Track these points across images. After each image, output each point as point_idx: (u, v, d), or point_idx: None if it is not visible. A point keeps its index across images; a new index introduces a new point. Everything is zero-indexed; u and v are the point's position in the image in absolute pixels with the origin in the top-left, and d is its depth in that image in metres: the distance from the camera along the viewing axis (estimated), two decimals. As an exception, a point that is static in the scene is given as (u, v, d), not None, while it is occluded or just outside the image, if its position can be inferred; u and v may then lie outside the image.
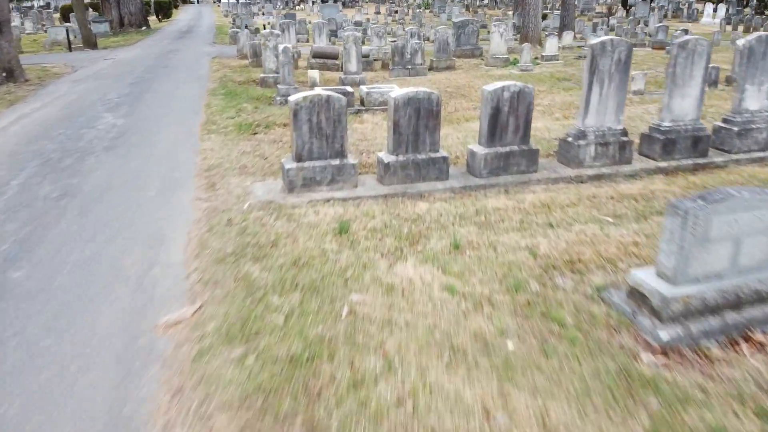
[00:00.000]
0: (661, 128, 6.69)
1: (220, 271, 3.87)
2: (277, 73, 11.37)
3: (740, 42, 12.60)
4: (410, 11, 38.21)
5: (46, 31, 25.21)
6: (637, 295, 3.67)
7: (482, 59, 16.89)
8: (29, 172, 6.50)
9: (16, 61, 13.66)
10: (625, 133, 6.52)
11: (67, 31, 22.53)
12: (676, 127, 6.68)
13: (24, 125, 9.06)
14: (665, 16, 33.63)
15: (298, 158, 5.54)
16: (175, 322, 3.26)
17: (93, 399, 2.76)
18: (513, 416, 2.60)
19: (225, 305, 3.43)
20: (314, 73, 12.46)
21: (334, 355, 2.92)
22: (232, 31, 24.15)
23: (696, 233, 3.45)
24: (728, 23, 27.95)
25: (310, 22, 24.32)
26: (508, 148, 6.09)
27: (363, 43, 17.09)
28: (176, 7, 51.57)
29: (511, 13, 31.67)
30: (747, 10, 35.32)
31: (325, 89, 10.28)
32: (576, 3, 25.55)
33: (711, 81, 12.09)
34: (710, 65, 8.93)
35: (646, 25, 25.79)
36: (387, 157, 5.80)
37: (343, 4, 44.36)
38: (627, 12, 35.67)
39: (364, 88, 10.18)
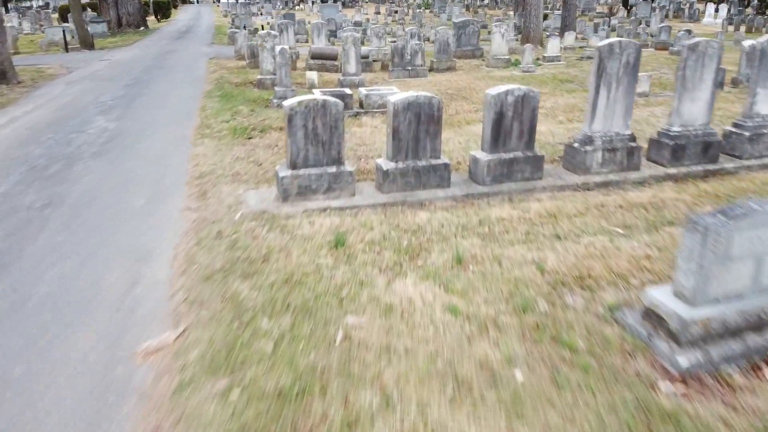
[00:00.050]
0: (671, 133, 6.45)
1: (207, 290, 3.62)
2: (275, 74, 11.12)
3: (746, 43, 12.41)
4: (410, 11, 37.97)
5: (44, 32, 24.95)
6: (652, 317, 3.43)
7: (483, 60, 16.64)
8: (14, 179, 6.25)
9: (9, 62, 13.42)
10: (633, 138, 6.27)
11: (63, 31, 22.29)
12: (685, 132, 6.44)
13: (14, 129, 8.82)
14: (666, 16, 33.39)
15: (293, 165, 5.30)
16: (155, 348, 3.01)
17: (63, 438, 2.52)
18: (523, 459, 2.36)
19: (210, 329, 3.18)
20: (312, 75, 12.23)
21: (327, 389, 2.67)
22: (231, 31, 23.91)
23: (717, 251, 3.22)
24: (730, 23, 27.70)
25: (309, 23, 24.07)
26: (512, 155, 5.85)
27: (362, 43, 16.85)
28: (175, 7, 51.34)
29: (511, 13, 31.43)
30: (748, 10, 35.09)
31: (323, 91, 10.06)
32: (577, 3, 25.30)
33: (717, 83, 11.82)
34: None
35: (648, 26, 25.55)
36: (386, 164, 5.56)
37: (343, 4, 44.12)
38: (628, 12, 35.43)
39: (363, 90, 9.94)
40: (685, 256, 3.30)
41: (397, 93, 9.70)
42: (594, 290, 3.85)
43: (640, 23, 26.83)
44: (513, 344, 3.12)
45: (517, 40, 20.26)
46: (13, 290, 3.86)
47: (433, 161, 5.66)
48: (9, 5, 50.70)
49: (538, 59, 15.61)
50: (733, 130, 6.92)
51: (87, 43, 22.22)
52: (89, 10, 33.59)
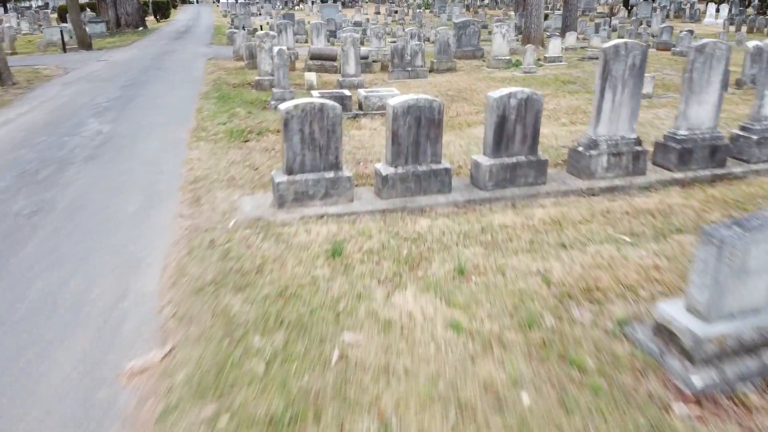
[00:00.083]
0: (677, 137, 6.28)
1: (198, 304, 3.46)
2: (273, 75, 10.96)
3: (750, 44, 12.25)
4: (410, 11, 37.80)
5: (42, 32, 24.79)
6: (664, 333, 3.27)
7: (484, 61, 16.48)
8: (3, 184, 6.08)
9: (4, 63, 13.25)
10: (639, 142, 6.11)
11: (61, 32, 22.14)
12: (692, 136, 6.28)
13: (7, 131, 8.65)
14: (667, 16, 33.22)
15: (290, 171, 5.14)
16: (141, 369, 2.85)
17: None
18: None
19: (199, 348, 3.01)
20: (311, 76, 12.06)
21: (321, 415, 2.51)
22: (230, 31, 23.74)
23: (732, 264, 3.06)
24: (731, 23, 27.53)
25: (309, 23, 23.90)
26: (514, 159, 5.69)
27: (362, 44, 16.69)
28: (175, 7, 51.20)
29: (512, 13, 31.26)
30: (749, 10, 34.93)
31: (322, 93, 9.90)
32: (577, 3, 25.12)
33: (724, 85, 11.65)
34: (724, 68, 8.48)
35: (649, 26, 25.38)
36: (385, 169, 5.40)
37: (343, 4, 43.95)
38: (629, 12, 35.26)
39: (362, 92, 9.77)
40: (699, 269, 3.14)
41: (396, 95, 9.54)
42: (602, 303, 3.69)
43: (641, 23, 26.67)
44: (519, 363, 2.96)
45: (517, 40, 20.09)
46: (-5, 303, 3.70)
47: (434, 166, 5.49)
48: (8, 5, 50.59)
49: (539, 60, 15.45)
50: (741, 133, 6.75)
51: (85, 43, 22.07)
52: (88, 10, 33.43)
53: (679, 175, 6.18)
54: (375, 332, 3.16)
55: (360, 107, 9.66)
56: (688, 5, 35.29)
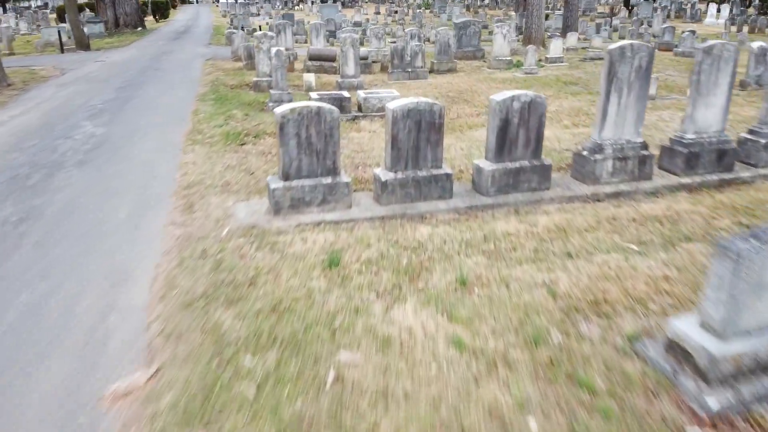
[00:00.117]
0: (684, 141, 6.12)
1: (187, 320, 3.29)
2: (271, 76, 10.80)
3: (755, 45, 12.09)
4: (410, 11, 37.64)
5: (40, 32, 24.64)
6: (677, 351, 3.11)
7: (484, 61, 16.32)
8: (-8, 190, 5.93)
9: (-1, 64, 13.09)
10: (645, 146, 5.95)
11: (59, 32, 21.97)
12: (699, 140, 6.11)
13: (-1, 134, 8.49)
14: (668, 16, 33.06)
15: (286, 176, 4.98)
16: (124, 392, 2.69)
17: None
18: None
19: (187, 368, 2.85)
20: (310, 77, 11.90)
21: (315, 446, 2.35)
22: (228, 31, 23.58)
23: (750, 279, 2.90)
24: (732, 23, 27.36)
25: (308, 23, 23.73)
26: (518, 164, 5.52)
27: (361, 44, 16.52)
28: (174, 7, 51.05)
29: (512, 13, 31.10)
30: (750, 10, 34.77)
31: (321, 94, 9.74)
32: (578, 3, 24.95)
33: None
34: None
35: (650, 26, 25.21)
36: (384, 174, 5.24)
37: (343, 5, 43.79)
38: (629, 12, 35.10)
39: (361, 93, 9.61)
40: (714, 284, 2.99)
41: (396, 96, 9.38)
42: (611, 317, 3.52)
43: (642, 23, 26.51)
44: (525, 385, 2.79)
45: (518, 40, 19.93)
46: (-24, 318, 3.53)
47: (435, 171, 5.33)
48: (7, 5, 50.44)
49: (540, 60, 15.28)
50: (749, 137, 6.59)
51: (83, 43, 21.91)
52: (87, 10, 33.27)
53: (686, 180, 6.02)
54: (373, 351, 3.00)
55: (359, 109, 9.50)
56: (689, 5, 35.12)
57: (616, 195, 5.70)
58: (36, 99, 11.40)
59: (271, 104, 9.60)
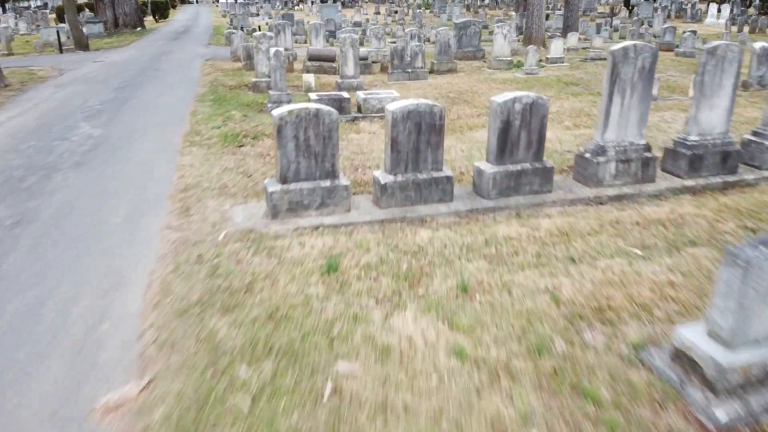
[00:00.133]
0: (688, 142, 6.04)
1: (181, 328, 3.21)
2: (270, 77, 10.72)
3: (757, 45, 12.01)
4: (410, 11, 37.55)
5: (40, 33, 24.56)
6: (684, 360, 3.03)
7: (485, 61, 16.23)
8: (-13, 192, 5.85)
9: (-4, 64, 13.01)
10: (648, 148, 5.87)
11: (57, 32, 21.89)
12: (703, 142, 6.03)
13: (-5, 135, 8.41)
14: (668, 16, 32.96)
15: (284, 179, 4.90)
16: (116, 404, 2.61)
17: None
18: None
19: (180, 379, 2.77)
20: (309, 77, 11.82)
21: (311, 462, 2.27)
22: (228, 32, 23.49)
23: (759, 287, 2.83)
24: (733, 23, 27.27)
25: (308, 23, 23.64)
26: (519, 166, 5.44)
27: (361, 44, 16.44)
28: (174, 7, 50.96)
29: (512, 13, 31.02)
30: (751, 10, 34.67)
31: (320, 95, 9.66)
32: (578, 3, 24.86)
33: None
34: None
35: (650, 26, 25.13)
36: (384, 177, 5.16)
37: (343, 4, 43.70)
38: (630, 12, 35.02)
39: (361, 94, 9.53)
40: (722, 292, 2.91)
41: (396, 97, 9.30)
42: (615, 324, 3.45)
43: (643, 24, 26.43)
44: (528, 396, 2.71)
45: (518, 41, 19.84)
46: (-33, 325, 3.45)
47: (435, 174, 5.25)
48: (6, 5, 50.36)
49: (540, 61, 15.19)
50: (753, 138, 6.51)
51: (82, 44, 21.83)
52: (87, 10, 33.18)
53: (689, 183, 5.94)
54: (372, 361, 2.92)
55: (359, 110, 9.42)
56: (690, 5, 35.03)
57: (619, 198, 5.62)
58: (34, 100, 11.32)
59: (269, 105, 9.52)
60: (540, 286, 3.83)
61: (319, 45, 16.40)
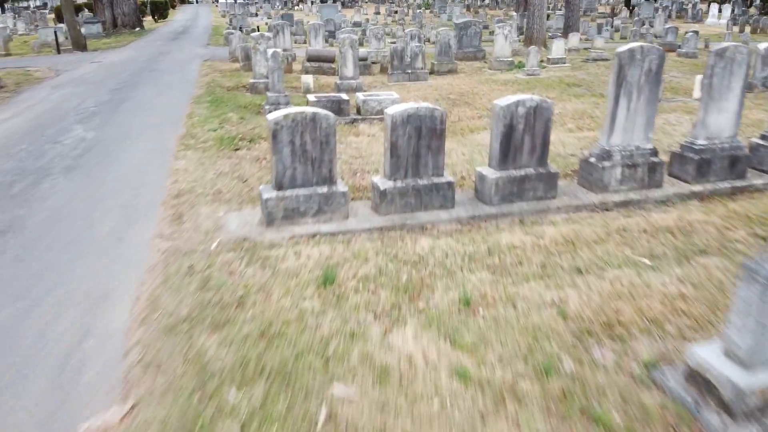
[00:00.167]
0: (695, 147, 5.87)
1: (168, 347, 3.04)
2: (268, 78, 10.56)
3: (762, 46, 11.84)
4: (410, 11, 37.39)
5: (38, 33, 24.41)
6: (699, 381, 2.87)
7: (485, 62, 16.08)
8: (-26, 198, 5.68)
9: (-9, 65, 12.85)
10: (655, 152, 5.70)
11: (55, 32, 21.73)
12: (711, 146, 5.87)
13: (-13, 138, 8.25)
14: (669, 16, 32.80)
15: (279, 186, 4.73)
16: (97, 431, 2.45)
17: None
18: None
19: (166, 404, 2.60)
20: (308, 79, 11.66)
21: (304, 499, 2.11)
22: (227, 32, 23.34)
23: (780, 305, 2.66)
24: (734, 24, 27.11)
25: (308, 23, 23.47)
26: (523, 172, 5.28)
27: (361, 45, 16.28)
28: (173, 7, 50.77)
29: (513, 13, 30.85)
30: (752, 10, 34.50)
31: (318, 96, 9.49)
32: (579, 3, 24.69)
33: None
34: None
35: (651, 26, 24.96)
36: (383, 183, 4.99)
37: (342, 5, 43.54)
38: (630, 12, 34.85)
39: (360, 96, 9.36)
40: (740, 310, 2.75)
41: (396, 99, 9.13)
42: (625, 340, 3.28)
43: (644, 24, 26.27)
44: (536, 422, 2.55)
45: (519, 41, 19.68)
46: (-55, 342, 3.29)
47: (436, 179, 5.09)
48: (5, 5, 50.18)
49: (542, 61, 15.03)
50: (761, 142, 6.35)
51: (79, 44, 21.68)
52: (86, 10, 33.01)
53: (697, 188, 5.77)
54: (370, 383, 2.75)
55: (358, 112, 9.26)
56: (690, 5, 34.87)
57: (626, 204, 5.46)
58: (28, 101, 11.16)
59: (267, 107, 9.36)
60: (546, 299, 3.66)
61: (318, 45, 16.24)
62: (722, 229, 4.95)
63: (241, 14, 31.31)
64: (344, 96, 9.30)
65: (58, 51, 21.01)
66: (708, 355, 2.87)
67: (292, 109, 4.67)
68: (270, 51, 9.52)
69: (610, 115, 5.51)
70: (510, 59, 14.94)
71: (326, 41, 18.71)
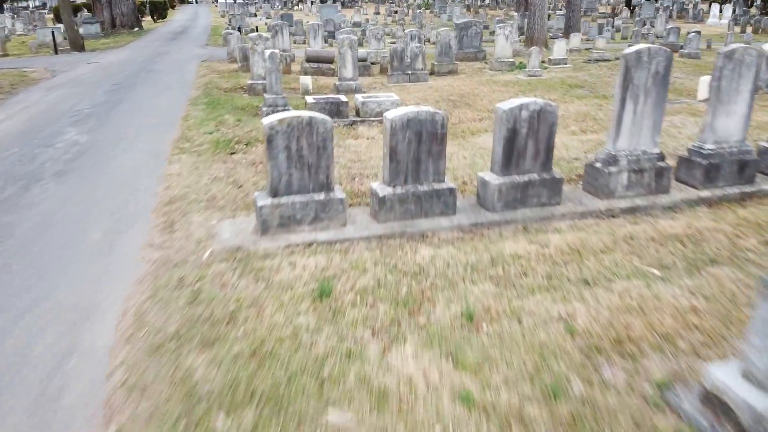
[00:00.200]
0: (703, 151, 5.71)
1: (154, 367, 2.88)
2: (266, 79, 10.39)
3: (766, 47, 11.68)
4: (410, 12, 37.23)
5: (36, 33, 24.27)
6: (716, 404, 2.71)
7: (486, 63, 15.91)
8: (-38, 204, 5.52)
9: (-14, 66, 12.68)
10: (662, 157, 5.54)
11: (53, 33, 21.58)
12: (719, 150, 5.70)
13: (-21, 141, 8.08)
14: (670, 16, 32.64)
15: (274, 193, 4.57)
16: (73, 464, 2.28)
17: None
18: None
19: (149, 432, 2.45)
20: (307, 80, 11.51)
21: None
22: (226, 32, 23.18)
23: (803, 324, 2.50)
24: (736, 24, 26.95)
25: (307, 23, 23.30)
26: (526, 177, 5.11)
27: (361, 45, 16.11)
28: (173, 7, 50.62)
29: (513, 13, 30.69)
30: (752, 10, 34.33)
31: (317, 98, 9.33)
32: (580, 3, 24.53)
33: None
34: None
35: (653, 26, 24.81)
36: (382, 189, 4.83)
37: (342, 5, 43.38)
38: (631, 12, 34.69)
39: (359, 98, 9.20)
40: (759, 330, 2.59)
41: (396, 100, 8.97)
42: (636, 358, 3.12)
43: (645, 24, 26.11)
44: (544, 452, 2.39)
45: (520, 41, 19.52)
46: None
47: (437, 185, 4.92)
48: (4, 5, 50.02)
49: (543, 62, 14.87)
50: (770, 146, 6.19)
51: (77, 44, 21.54)
52: (85, 10, 32.85)
53: (705, 194, 5.61)
54: (367, 409, 2.58)
55: (357, 114, 9.10)
56: (691, 5, 34.71)
57: (632, 210, 5.30)
58: (23, 103, 11.00)
59: (265, 109, 9.19)
60: (552, 314, 3.50)
61: (317, 46, 16.08)
62: (732, 237, 4.78)
63: (240, 14, 31.15)
64: (343, 98, 9.15)
65: (56, 51, 20.87)
66: (725, 376, 2.71)
67: (288, 114, 4.50)
68: (267, 52, 9.35)
69: (616, 119, 5.34)
70: (511, 60, 14.78)
71: (325, 42, 18.55)
